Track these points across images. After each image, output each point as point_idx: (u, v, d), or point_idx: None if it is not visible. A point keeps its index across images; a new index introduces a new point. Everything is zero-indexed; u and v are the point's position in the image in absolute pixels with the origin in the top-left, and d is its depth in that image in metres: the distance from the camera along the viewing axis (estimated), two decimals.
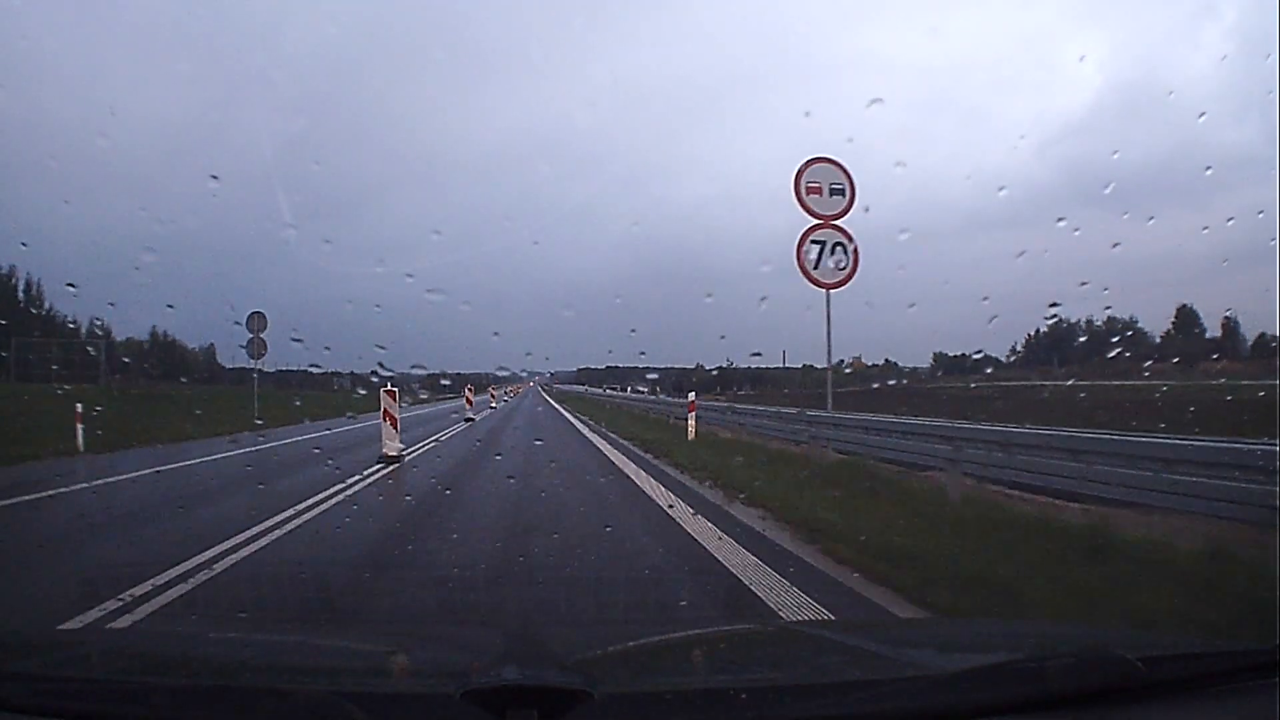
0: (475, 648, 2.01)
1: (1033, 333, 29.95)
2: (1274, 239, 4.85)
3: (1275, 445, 4.53)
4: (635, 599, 4.01)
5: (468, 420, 19.22)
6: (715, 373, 29.02)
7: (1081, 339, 29.12)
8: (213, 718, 1.23)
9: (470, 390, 21.31)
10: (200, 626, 3.32)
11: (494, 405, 28.10)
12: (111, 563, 4.81)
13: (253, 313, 17.26)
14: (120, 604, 3.86)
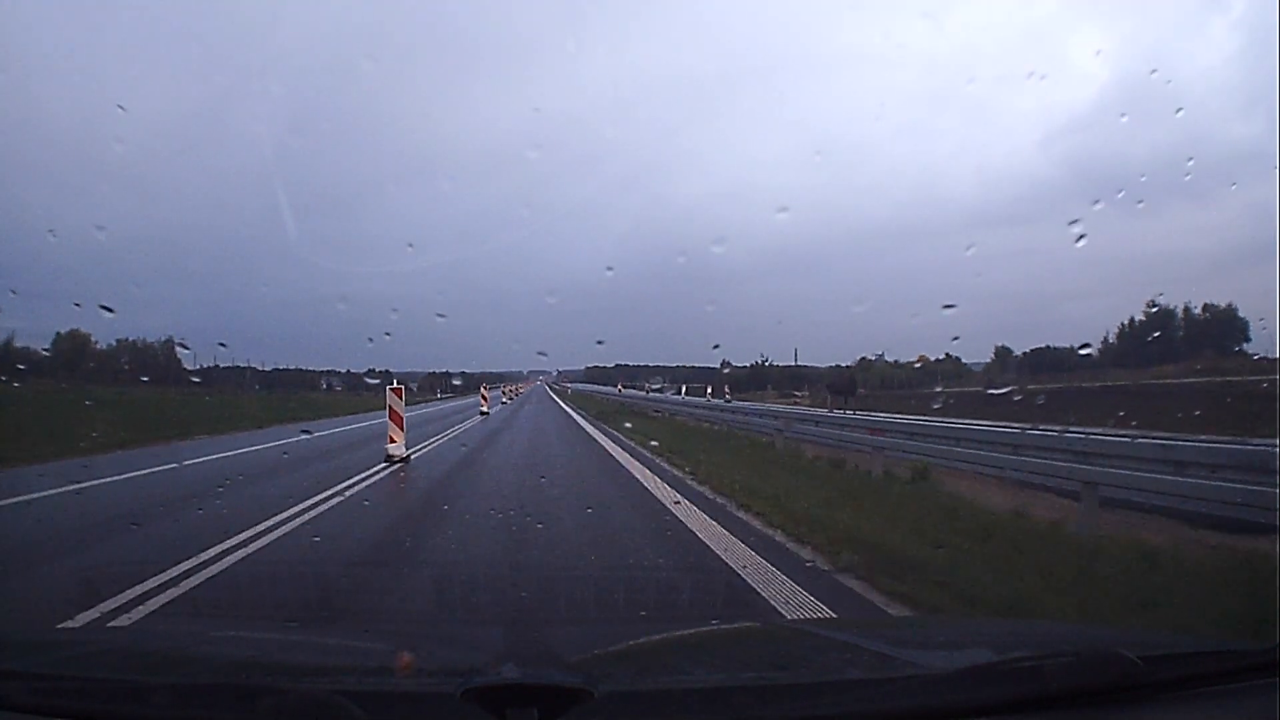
0: (476, 646, 2.01)
1: (1126, 322, 27.83)
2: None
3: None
4: None
5: None
6: (728, 372, 26.37)
7: (1179, 332, 27.34)
8: (212, 716, 1.23)
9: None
10: (201, 625, 3.33)
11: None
12: None
13: None
14: None
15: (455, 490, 8.46)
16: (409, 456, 10.58)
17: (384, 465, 9.92)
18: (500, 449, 13.40)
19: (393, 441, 10.45)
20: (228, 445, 13.19)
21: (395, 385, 11.14)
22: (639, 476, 9.17)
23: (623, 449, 12.74)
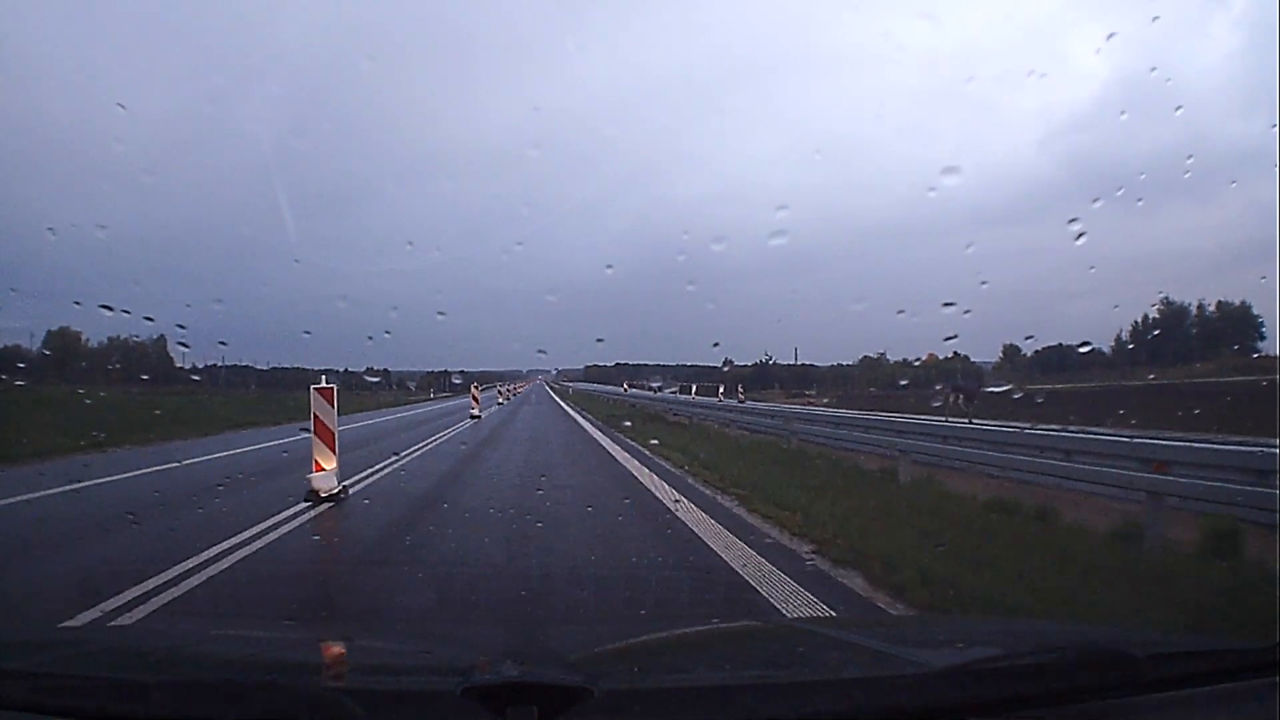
0: (476, 645, 2.01)
1: (1140, 319, 27.33)
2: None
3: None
4: None
5: None
6: (728, 371, 24.81)
7: (1193, 330, 27.04)
8: (212, 714, 1.23)
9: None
10: (201, 624, 3.33)
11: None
12: None
13: None
14: None
15: (393, 576, 4.62)
16: (345, 491, 7.12)
17: (302, 508, 6.52)
18: (482, 478, 9.52)
19: (319, 469, 6.84)
20: (129, 463, 9.84)
21: (323, 384, 7.32)
22: (709, 539, 5.58)
23: (665, 480, 8.97)
